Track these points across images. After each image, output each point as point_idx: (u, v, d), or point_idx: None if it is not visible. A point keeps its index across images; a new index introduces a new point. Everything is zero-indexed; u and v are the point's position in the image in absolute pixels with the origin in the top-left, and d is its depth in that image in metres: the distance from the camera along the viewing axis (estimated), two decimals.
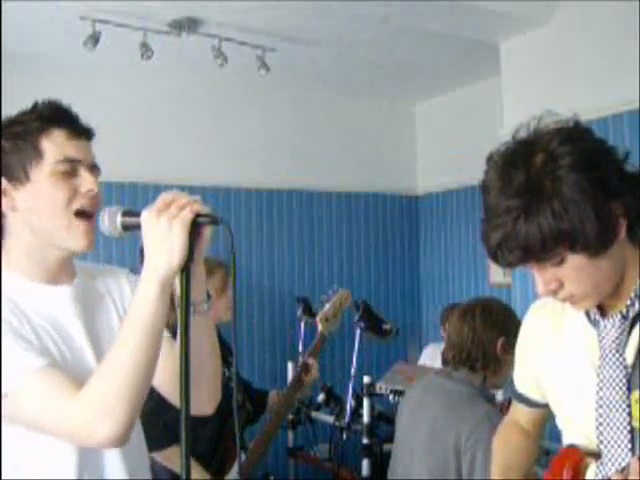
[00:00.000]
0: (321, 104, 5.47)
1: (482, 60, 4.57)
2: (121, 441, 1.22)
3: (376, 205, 5.68)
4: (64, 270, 1.40)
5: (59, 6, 3.68)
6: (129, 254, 4.42)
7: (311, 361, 3.01)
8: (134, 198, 4.54)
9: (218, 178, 4.89)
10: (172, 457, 2.43)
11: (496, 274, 4.97)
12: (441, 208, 5.64)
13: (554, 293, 1.26)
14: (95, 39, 3.80)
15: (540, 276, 1.25)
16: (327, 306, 3.15)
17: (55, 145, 1.34)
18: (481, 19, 3.75)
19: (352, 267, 5.53)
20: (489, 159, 1.29)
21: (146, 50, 3.96)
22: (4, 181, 1.34)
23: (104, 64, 4.46)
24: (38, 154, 1.33)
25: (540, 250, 1.18)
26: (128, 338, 1.22)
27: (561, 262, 1.21)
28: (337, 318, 3.14)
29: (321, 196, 5.42)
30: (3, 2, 3.46)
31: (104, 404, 1.19)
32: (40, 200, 1.33)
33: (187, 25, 3.95)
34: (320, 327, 3.09)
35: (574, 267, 1.21)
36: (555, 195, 1.16)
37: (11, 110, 1.41)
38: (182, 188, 1.27)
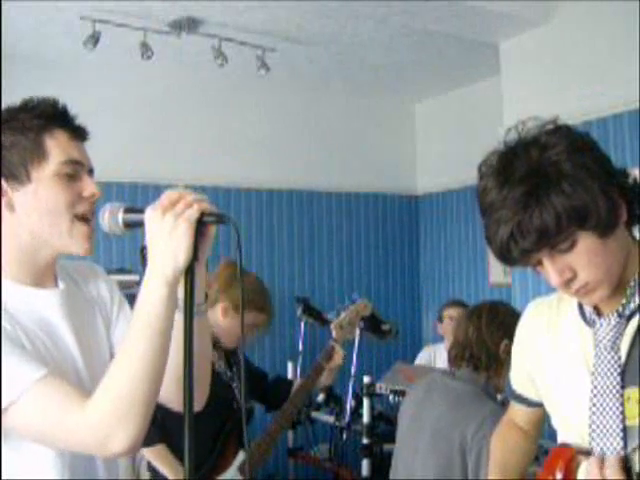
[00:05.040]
0: (321, 104, 5.47)
1: (482, 60, 4.58)
2: (136, 448, 1.18)
3: (376, 205, 5.68)
4: (50, 272, 1.36)
5: (59, 6, 3.68)
6: (129, 253, 4.42)
7: (336, 347, 2.88)
8: (134, 198, 4.53)
9: (218, 178, 4.88)
10: (158, 456, 2.44)
11: (496, 274, 4.97)
12: (441, 208, 5.64)
13: (568, 284, 1.25)
14: (95, 39, 3.81)
15: (552, 267, 1.24)
16: (343, 314, 3.01)
17: (59, 145, 1.29)
18: (481, 19, 3.75)
19: (352, 267, 5.53)
20: (480, 167, 1.29)
21: (146, 50, 3.96)
22: (2, 181, 1.28)
23: (104, 64, 4.46)
24: (42, 154, 1.27)
25: (555, 231, 1.18)
26: (137, 341, 1.17)
27: (573, 246, 1.21)
28: (353, 326, 3.01)
29: (321, 196, 5.43)
30: (3, 2, 3.46)
31: (118, 412, 1.14)
32: (41, 202, 1.27)
33: (187, 25, 3.95)
34: (334, 334, 2.95)
35: (586, 250, 1.21)
36: (561, 176, 1.18)
37: None
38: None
